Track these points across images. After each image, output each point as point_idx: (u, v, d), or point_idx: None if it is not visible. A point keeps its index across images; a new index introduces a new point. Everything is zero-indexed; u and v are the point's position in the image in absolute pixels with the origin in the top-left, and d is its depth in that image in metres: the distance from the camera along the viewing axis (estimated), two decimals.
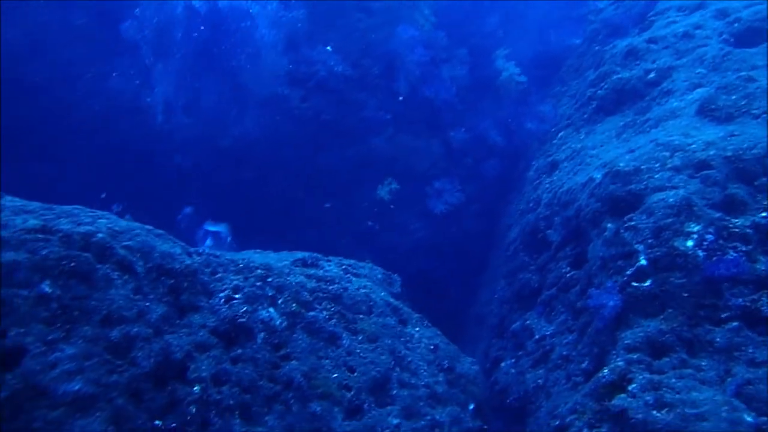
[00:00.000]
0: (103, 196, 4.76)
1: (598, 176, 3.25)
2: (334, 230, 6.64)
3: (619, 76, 4.25)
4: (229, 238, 5.37)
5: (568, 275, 3.28)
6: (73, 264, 2.29)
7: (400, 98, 6.57)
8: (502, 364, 3.63)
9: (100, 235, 2.44)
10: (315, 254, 3.54)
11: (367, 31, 6.47)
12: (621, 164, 3.04)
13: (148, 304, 2.48)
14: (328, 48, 6.28)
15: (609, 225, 2.91)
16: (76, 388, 2.11)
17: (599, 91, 4.35)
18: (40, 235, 2.30)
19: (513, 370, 3.47)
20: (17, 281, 2.16)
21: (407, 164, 6.68)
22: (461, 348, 3.55)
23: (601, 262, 2.90)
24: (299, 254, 3.48)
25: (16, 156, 5.29)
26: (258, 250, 3.63)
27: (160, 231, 2.82)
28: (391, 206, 6.67)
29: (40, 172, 5.39)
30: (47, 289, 2.22)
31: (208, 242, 5.28)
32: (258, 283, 2.83)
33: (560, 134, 4.72)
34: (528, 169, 5.59)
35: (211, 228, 5.36)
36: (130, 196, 5.24)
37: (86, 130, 5.38)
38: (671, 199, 2.70)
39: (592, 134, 4.12)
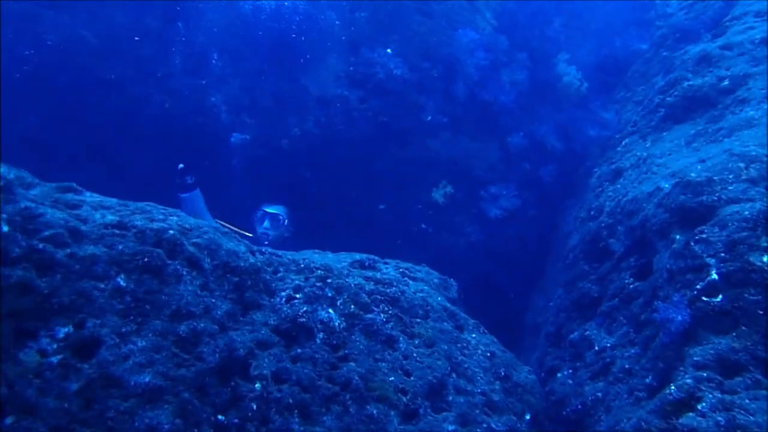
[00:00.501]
0: (181, 166, 4.93)
1: (667, 186, 3.14)
2: (388, 231, 6.67)
3: (690, 83, 4.09)
4: (286, 221, 5.51)
5: (631, 286, 3.19)
6: (146, 259, 2.39)
7: (459, 102, 6.54)
8: (559, 375, 3.56)
9: (171, 232, 2.53)
10: (372, 256, 3.57)
11: (428, 34, 6.47)
12: (692, 174, 2.93)
13: (213, 300, 2.56)
14: (389, 50, 6.32)
15: (678, 237, 2.81)
16: (147, 380, 2.20)
17: (668, 98, 4.20)
18: (116, 231, 2.41)
19: (570, 381, 3.40)
20: (95, 274, 2.27)
21: (463, 168, 6.65)
22: (515, 354, 3.51)
23: (668, 275, 2.80)
24: (357, 256, 3.51)
25: (90, 151, 5.56)
26: (317, 251, 3.68)
27: (226, 229, 2.90)
28: (446, 209, 6.65)
29: (111, 166, 5.64)
30: (122, 283, 2.32)
31: (266, 224, 5.44)
32: (318, 284, 2.88)
33: (625, 141, 4.59)
34: (588, 175, 5.46)
35: (270, 210, 5.48)
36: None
37: (158, 126, 5.59)
38: (747, 212, 2.59)
39: (659, 142, 3.99)
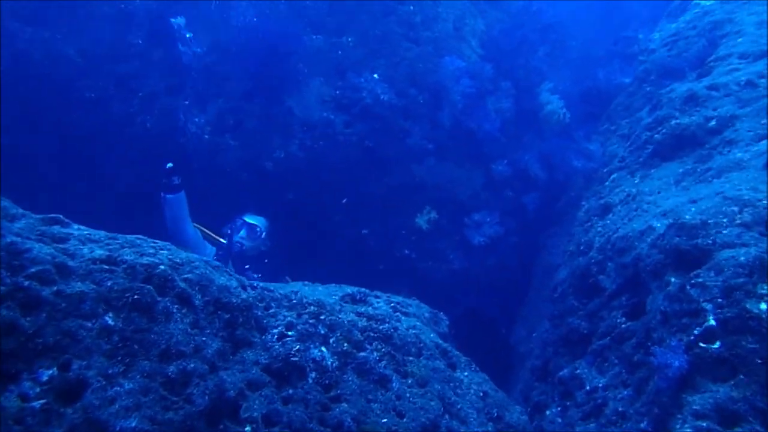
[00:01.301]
0: (170, 165, 4.81)
1: (658, 225, 3.16)
2: (371, 256, 6.62)
3: (678, 121, 4.15)
4: (263, 233, 5.36)
5: (623, 326, 3.18)
6: (136, 296, 2.29)
7: (444, 128, 6.55)
8: (548, 412, 3.53)
9: (162, 267, 2.44)
10: (363, 290, 3.51)
11: (415, 60, 6.49)
12: (686, 216, 2.95)
13: (204, 338, 2.47)
14: (375, 75, 6.31)
15: (673, 279, 2.82)
16: (133, 425, 2.10)
17: (656, 135, 4.26)
18: (105, 266, 2.31)
19: (560, 420, 3.36)
20: (83, 312, 2.17)
21: (447, 194, 6.64)
22: (497, 383, 3.47)
23: (663, 317, 2.80)
24: (348, 289, 3.44)
25: (71, 169, 5.41)
26: (307, 283, 3.61)
27: (217, 263, 2.82)
28: (429, 236, 6.62)
29: (93, 184, 5.49)
30: (110, 322, 2.22)
31: (242, 233, 5.29)
32: (311, 321, 2.81)
33: (613, 176, 4.63)
34: (573, 205, 5.50)
35: (250, 220, 5.35)
36: None
37: (138, 145, 5.47)
38: (742, 258, 2.61)
39: (648, 179, 4.03)
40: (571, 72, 7.49)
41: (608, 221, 3.99)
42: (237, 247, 5.17)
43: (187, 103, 5.72)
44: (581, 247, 4.01)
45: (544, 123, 7.35)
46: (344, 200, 6.29)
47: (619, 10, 7.95)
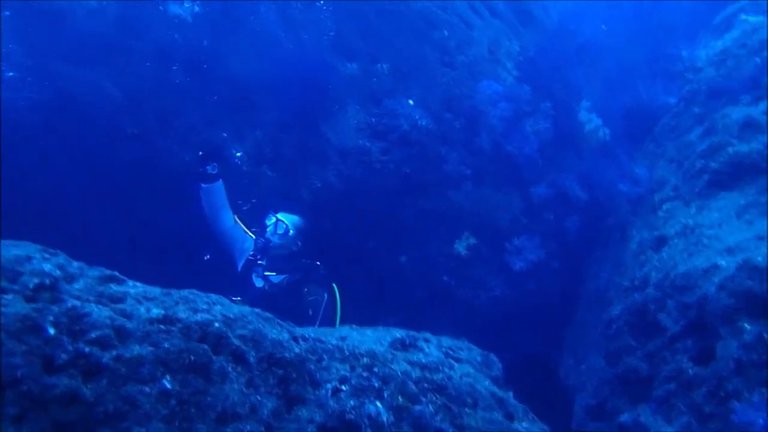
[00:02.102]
0: (201, 153, 4.79)
1: (724, 264, 3.01)
2: (409, 284, 6.53)
3: (736, 149, 3.99)
4: (291, 232, 5.11)
5: (690, 372, 3.03)
6: (192, 357, 2.24)
7: (482, 153, 6.46)
8: None
9: (216, 324, 2.39)
10: (412, 333, 3.42)
11: (450, 85, 6.42)
12: (758, 258, 2.81)
13: (259, 397, 2.40)
14: (411, 101, 6.26)
15: (747, 326, 2.68)
16: None
17: (712, 164, 4.10)
18: (161, 326, 2.27)
19: None
20: (142, 377, 2.12)
21: (486, 219, 6.53)
22: (545, 415, 3.33)
23: (737, 366, 2.65)
24: (396, 332, 3.36)
25: (112, 203, 5.45)
26: (354, 326, 3.53)
27: (268, 314, 2.77)
28: (469, 262, 6.51)
29: (133, 218, 5.52)
30: (168, 385, 2.17)
31: (270, 229, 5.08)
32: (364, 374, 2.73)
33: (665, 206, 4.47)
34: (621, 231, 5.34)
35: (282, 217, 5.13)
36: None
37: (179, 179, 5.49)
38: None
39: (706, 210, 3.88)
40: (610, 90, 7.34)
41: (665, 255, 3.84)
42: (261, 242, 4.97)
43: (225, 135, 5.73)
44: (636, 282, 3.86)
45: (583, 143, 7.22)
46: (403, 258, 6.26)
47: (656, 24, 7.76)
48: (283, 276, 4.92)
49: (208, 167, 4.85)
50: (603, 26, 9.43)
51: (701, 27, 6.49)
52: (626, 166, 5.77)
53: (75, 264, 2.48)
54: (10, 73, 5.19)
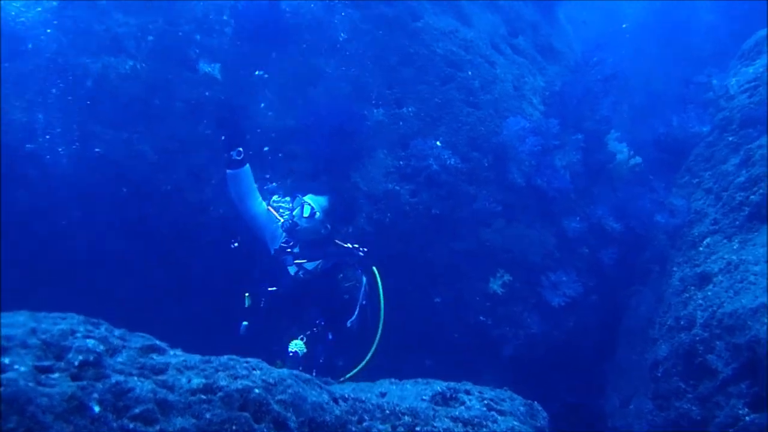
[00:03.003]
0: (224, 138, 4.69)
1: None
2: (444, 325, 6.46)
3: None
4: (318, 215, 4.77)
5: (747, 419, 2.90)
6: (234, 428, 2.24)
7: (512, 189, 6.43)
8: None
9: (256, 390, 2.39)
10: (452, 385, 3.36)
11: (476, 124, 6.44)
12: None
13: None
14: (438, 143, 6.28)
15: None
16: None
17: (752, 196, 3.99)
18: (203, 396, 2.28)
19: None
20: None
21: (519, 256, 6.46)
22: None
23: None
24: (437, 386, 3.30)
25: (150, 260, 5.57)
26: (393, 380, 3.49)
27: (307, 376, 2.75)
28: (504, 300, 6.41)
29: (172, 274, 5.63)
30: None
31: (296, 212, 4.78)
32: None
33: (707, 240, 4.36)
34: (659, 264, 5.21)
35: (309, 199, 4.81)
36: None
37: (214, 232, 5.59)
38: None
39: (749, 245, 3.76)
40: (640, 119, 7.29)
41: (709, 293, 3.72)
42: (287, 224, 4.67)
43: (256, 185, 5.83)
44: (682, 322, 3.74)
45: (615, 174, 7.14)
46: (437, 300, 6.14)
47: (683, 51, 7.72)
48: (317, 262, 4.67)
49: (232, 153, 4.65)
50: (624, 25, 9.38)
51: (729, 54, 6.42)
52: (662, 196, 5.66)
53: (117, 332, 2.52)
54: (48, 136, 5.42)
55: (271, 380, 2.51)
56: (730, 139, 4.95)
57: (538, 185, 6.50)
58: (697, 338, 3.49)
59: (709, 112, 5.67)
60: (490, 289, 6.40)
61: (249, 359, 2.63)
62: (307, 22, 6.27)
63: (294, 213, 4.76)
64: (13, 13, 5.65)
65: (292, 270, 4.69)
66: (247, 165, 4.75)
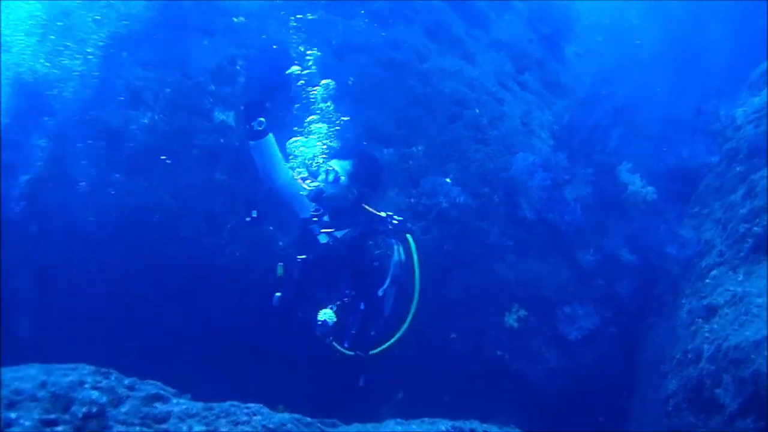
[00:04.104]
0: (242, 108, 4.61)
1: None
2: (461, 360, 6.45)
3: None
4: (343, 179, 4.53)
5: None
6: None
7: (523, 223, 6.47)
8: None
9: None
10: (457, 424, 3.37)
11: (485, 160, 6.54)
12: None
13: None
14: (448, 180, 6.38)
15: None
16: None
17: (755, 228, 3.99)
18: None
19: None
20: None
21: (534, 290, 6.46)
22: None
23: None
24: (442, 425, 3.33)
25: (168, 303, 5.72)
26: (400, 420, 3.52)
27: (308, 419, 2.82)
28: (521, 334, 6.40)
29: (189, 316, 5.77)
30: None
31: (321, 177, 4.57)
32: None
33: (713, 272, 4.34)
34: (672, 296, 5.18)
35: (334, 164, 4.58)
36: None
37: (230, 275, 5.74)
38: None
39: (753, 277, 3.75)
40: (651, 150, 7.29)
41: (715, 325, 3.70)
42: (311, 194, 4.47)
43: (271, 228, 5.98)
44: (689, 355, 3.72)
45: (629, 204, 7.12)
46: (453, 335, 6.06)
47: (691, 82, 7.74)
48: (346, 230, 4.49)
49: (253, 123, 4.46)
50: (638, 41, 9.36)
51: (739, 84, 6.44)
52: (673, 227, 5.65)
53: (126, 381, 2.64)
54: (82, 183, 5.69)
55: (271, 425, 2.60)
56: (738, 169, 4.95)
57: (550, 219, 6.53)
58: (705, 372, 3.46)
59: (718, 142, 5.68)
60: (506, 324, 6.40)
61: (250, 405, 2.72)
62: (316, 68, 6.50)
63: (319, 179, 4.58)
64: (43, 72, 6.02)
65: (322, 239, 4.53)
66: (271, 135, 4.55)
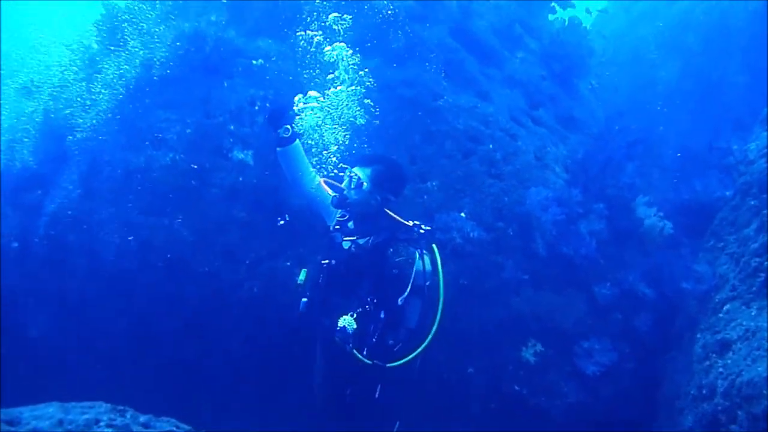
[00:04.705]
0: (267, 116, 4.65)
1: None
2: (479, 396, 6.41)
3: None
4: (365, 186, 4.49)
5: None
6: None
7: (538, 258, 6.49)
8: None
9: None
10: None
11: (499, 195, 6.61)
12: None
13: None
14: (462, 214, 6.46)
15: None
16: None
17: (766, 263, 3.99)
18: None
19: None
20: None
21: (550, 324, 6.44)
22: None
23: None
24: None
25: (186, 338, 5.83)
26: None
27: None
28: (538, 369, 6.35)
29: (207, 351, 5.87)
30: None
31: (345, 183, 4.56)
32: None
33: (726, 307, 4.32)
34: (689, 331, 5.13)
35: (357, 170, 4.54)
36: None
37: (248, 311, 5.84)
38: None
39: (765, 312, 3.73)
40: (667, 183, 7.30)
41: (729, 361, 3.68)
42: (335, 200, 4.47)
43: (288, 264, 6.09)
44: (704, 391, 3.69)
45: (645, 238, 7.10)
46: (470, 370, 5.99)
47: (705, 118, 7.78)
48: (368, 237, 4.45)
49: (279, 130, 4.45)
50: (660, 108, 9.49)
51: (754, 118, 6.47)
52: (688, 262, 5.62)
53: (142, 419, 2.72)
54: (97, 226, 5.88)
55: None
56: (752, 203, 4.95)
57: (565, 253, 6.54)
58: (719, 408, 3.43)
59: (732, 177, 5.69)
60: (523, 358, 6.37)
61: None
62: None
63: (342, 185, 4.57)
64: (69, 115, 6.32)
65: (346, 245, 4.52)
66: (298, 141, 4.55)
